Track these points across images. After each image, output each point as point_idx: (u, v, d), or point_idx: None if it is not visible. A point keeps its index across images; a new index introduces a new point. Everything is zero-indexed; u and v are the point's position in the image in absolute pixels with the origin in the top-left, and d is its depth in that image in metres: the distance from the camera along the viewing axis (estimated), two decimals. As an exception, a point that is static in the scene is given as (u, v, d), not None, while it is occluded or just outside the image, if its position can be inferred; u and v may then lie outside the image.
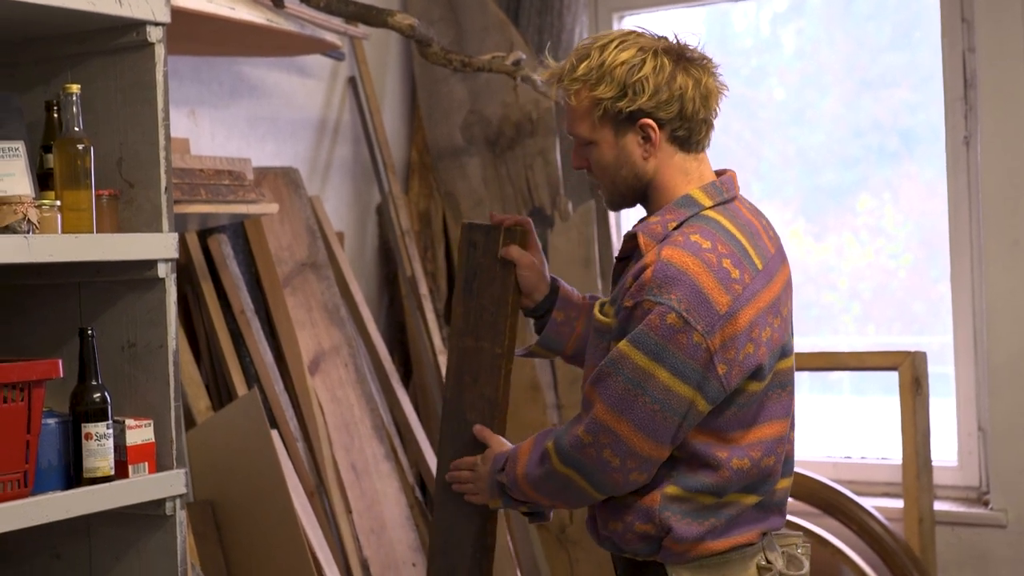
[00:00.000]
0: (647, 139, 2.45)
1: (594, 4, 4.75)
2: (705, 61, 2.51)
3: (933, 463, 4.07)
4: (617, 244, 4.49)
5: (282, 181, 3.89)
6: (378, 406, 3.82)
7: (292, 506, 3.31)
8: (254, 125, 4.03)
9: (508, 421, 4.16)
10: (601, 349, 2.48)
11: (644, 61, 2.43)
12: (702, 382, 2.35)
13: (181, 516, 2.70)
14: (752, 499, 2.47)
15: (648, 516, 2.43)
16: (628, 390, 2.36)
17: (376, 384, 3.91)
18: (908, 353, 3.97)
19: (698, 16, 4.90)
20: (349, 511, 3.60)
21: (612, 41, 2.47)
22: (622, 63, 2.43)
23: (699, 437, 2.42)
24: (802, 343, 4.59)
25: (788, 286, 2.54)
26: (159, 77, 2.70)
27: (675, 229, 2.42)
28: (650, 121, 2.43)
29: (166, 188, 2.69)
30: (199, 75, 3.83)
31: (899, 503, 4.07)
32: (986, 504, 4.12)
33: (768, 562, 2.50)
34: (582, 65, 2.46)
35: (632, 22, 4.83)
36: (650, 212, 2.52)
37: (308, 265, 3.84)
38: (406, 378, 4.26)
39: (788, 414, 2.49)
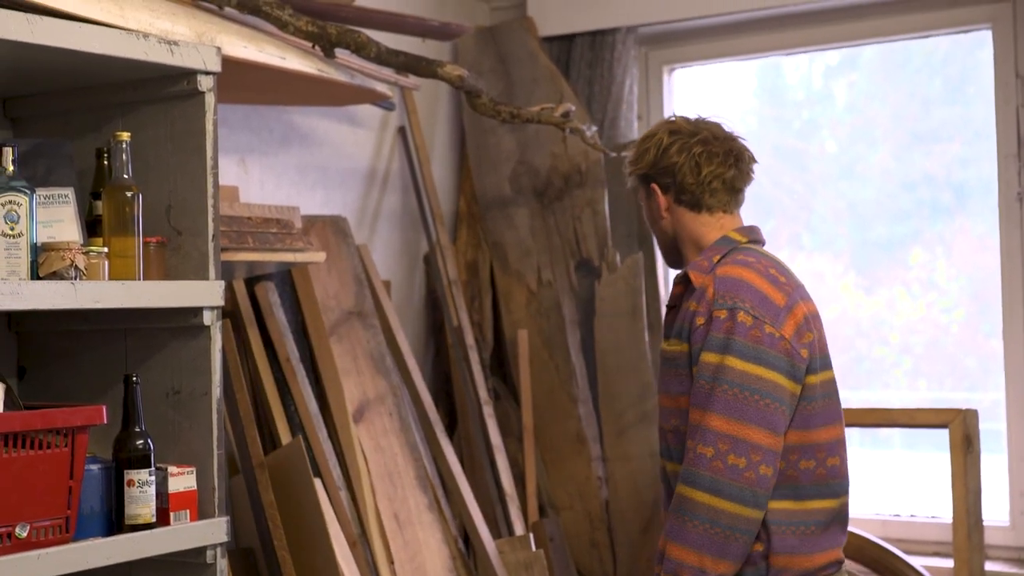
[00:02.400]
0: (658, 203, 2.87)
1: (644, 57, 4.76)
2: (713, 144, 2.85)
3: (984, 523, 4.00)
4: (665, 296, 4.47)
5: (330, 229, 3.90)
6: (422, 456, 3.80)
7: (334, 555, 3.29)
8: (304, 173, 4.05)
9: (552, 472, 4.16)
10: (678, 375, 2.74)
11: (654, 136, 2.87)
12: (790, 368, 2.63)
13: (222, 564, 2.69)
14: (829, 503, 2.69)
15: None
16: (726, 391, 2.61)
17: (420, 434, 3.89)
18: (959, 411, 3.92)
19: (750, 69, 4.89)
20: (391, 561, 3.58)
21: (660, 122, 2.94)
22: (644, 137, 2.90)
23: None
24: (852, 397, 4.57)
25: (819, 315, 2.82)
26: (209, 126, 2.72)
27: (718, 261, 2.77)
28: (655, 186, 2.87)
29: (213, 236, 2.70)
30: (249, 123, 3.86)
31: (949, 563, 4.00)
32: (1038, 566, 4.05)
33: None
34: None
35: (683, 75, 4.83)
36: (686, 263, 2.88)
37: (354, 314, 3.84)
38: (451, 428, 4.25)
39: (840, 420, 2.76)
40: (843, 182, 4.69)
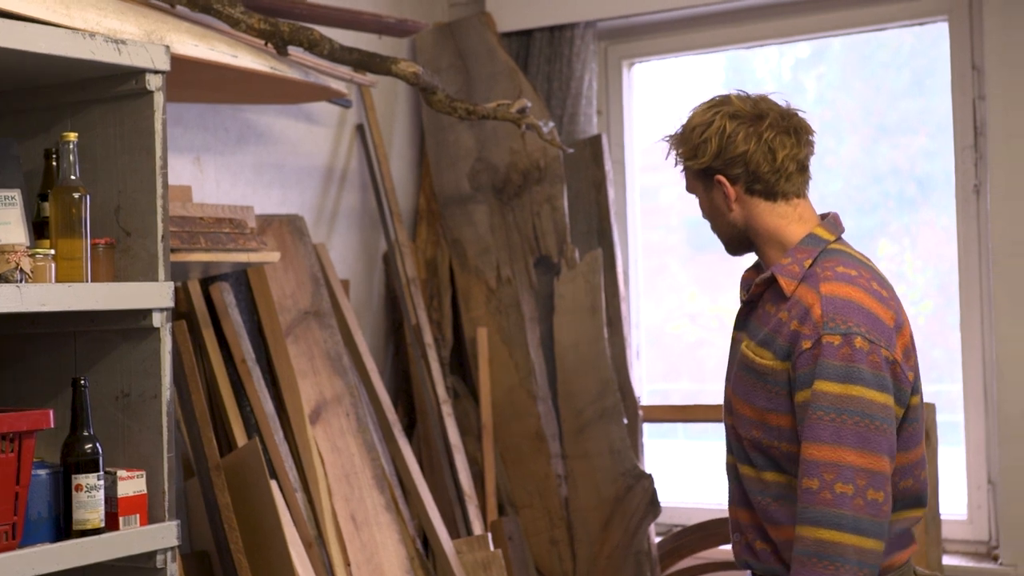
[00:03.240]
0: (725, 195, 2.70)
1: (604, 52, 4.74)
2: (778, 118, 2.71)
3: (942, 516, 4.01)
4: (625, 291, 4.46)
5: (287, 229, 3.88)
6: (379, 456, 3.78)
7: (290, 557, 3.27)
8: (260, 172, 4.02)
9: (512, 471, 4.14)
10: (767, 390, 2.63)
11: (711, 123, 2.68)
12: (898, 393, 2.55)
13: (172, 569, 2.67)
14: (918, 512, 2.67)
15: None
16: (834, 419, 2.50)
17: (378, 434, 3.87)
18: (916, 405, 3.92)
19: (718, 62, 4.88)
20: (348, 563, 3.56)
21: (701, 105, 2.75)
22: (694, 127, 2.70)
23: None
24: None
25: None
26: (158, 125, 2.69)
27: (810, 267, 2.65)
28: (722, 178, 2.69)
29: (163, 237, 2.67)
30: (204, 122, 3.83)
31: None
32: (995, 559, 4.06)
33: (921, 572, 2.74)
34: (681, 128, 2.75)
35: (642, 70, 4.82)
36: (761, 256, 2.76)
37: (311, 313, 3.82)
38: (410, 427, 4.23)
39: (923, 440, 2.69)
40: (814, 174, 4.68)
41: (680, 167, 2.77)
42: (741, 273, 2.86)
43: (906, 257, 4.52)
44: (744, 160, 2.67)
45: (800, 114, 2.75)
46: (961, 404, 4.19)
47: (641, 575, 4.04)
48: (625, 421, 4.11)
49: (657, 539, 4.20)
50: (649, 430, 4.39)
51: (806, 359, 2.55)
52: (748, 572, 2.80)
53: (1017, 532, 3.99)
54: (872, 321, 2.55)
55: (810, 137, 2.77)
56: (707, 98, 2.79)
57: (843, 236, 2.78)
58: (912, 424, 2.63)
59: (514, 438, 4.16)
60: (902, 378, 2.57)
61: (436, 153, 4.47)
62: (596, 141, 4.45)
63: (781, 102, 2.75)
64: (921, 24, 4.31)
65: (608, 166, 4.46)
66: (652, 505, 4.02)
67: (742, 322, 2.77)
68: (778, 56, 4.78)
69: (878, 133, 4.61)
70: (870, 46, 4.58)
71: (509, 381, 4.19)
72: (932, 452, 3.92)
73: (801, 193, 2.77)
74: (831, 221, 2.77)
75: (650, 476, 4.02)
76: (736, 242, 2.78)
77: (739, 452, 2.75)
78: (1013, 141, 3.98)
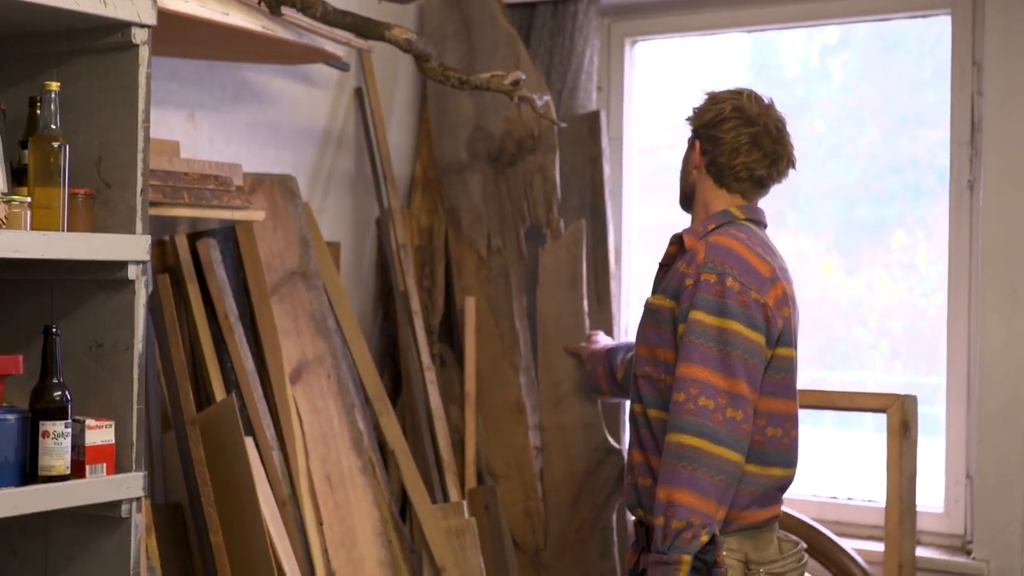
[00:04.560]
0: (694, 158, 3.14)
1: (607, 29, 4.74)
2: (763, 139, 3.08)
3: (919, 509, 4.02)
4: (616, 268, 4.47)
5: (278, 188, 3.89)
6: (358, 419, 3.80)
7: (261, 514, 3.29)
8: (255, 131, 4.03)
9: (493, 441, 4.16)
10: (658, 328, 3.02)
11: (722, 102, 3.11)
12: (767, 333, 2.91)
13: (137, 519, 2.69)
14: (786, 472, 2.99)
15: None
16: (703, 344, 2.88)
17: (359, 397, 3.89)
18: (898, 396, 3.93)
19: (744, 43, 4.85)
20: (320, 523, 3.58)
21: (732, 88, 3.16)
22: (714, 97, 3.14)
23: None
24: (829, 377, 4.64)
25: (795, 298, 3.08)
26: (142, 79, 2.70)
27: (712, 231, 3.03)
28: (699, 144, 3.13)
29: (142, 190, 2.69)
30: (200, 78, 3.84)
31: (882, 547, 4.02)
32: (969, 553, 4.07)
33: (785, 536, 3.06)
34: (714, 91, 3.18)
35: (645, 48, 4.81)
36: (691, 219, 3.18)
37: (298, 274, 3.83)
38: (395, 393, 4.24)
39: (796, 397, 3.03)
40: (830, 162, 4.68)
41: None
42: None
43: (920, 249, 4.51)
44: (717, 144, 3.08)
45: (790, 147, 3.13)
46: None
47: (607, 550, 4.05)
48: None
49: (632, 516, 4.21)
50: (627, 406, 4.40)
51: (688, 294, 2.94)
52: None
53: (991, 528, 3.99)
54: (746, 267, 2.93)
55: (780, 167, 3.12)
56: (739, 85, 3.19)
57: (763, 227, 3.13)
58: (780, 374, 2.97)
59: (496, 408, 4.17)
60: (772, 321, 2.92)
61: (438, 120, 4.47)
62: (594, 117, 4.45)
63: (786, 129, 3.12)
64: (925, 16, 4.29)
65: (605, 143, 4.46)
66: (620, 481, 4.04)
67: (657, 284, 3.16)
68: (806, 40, 4.76)
69: (899, 123, 4.60)
70: (895, 35, 4.56)
71: (494, 351, 4.20)
72: (911, 444, 3.93)
73: (747, 197, 3.13)
74: (751, 208, 3.13)
75: (619, 451, 4.03)
76: (685, 198, 3.22)
77: (635, 393, 3.11)
78: (1009, 138, 3.97)
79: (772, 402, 2.96)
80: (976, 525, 4.04)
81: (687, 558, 2.80)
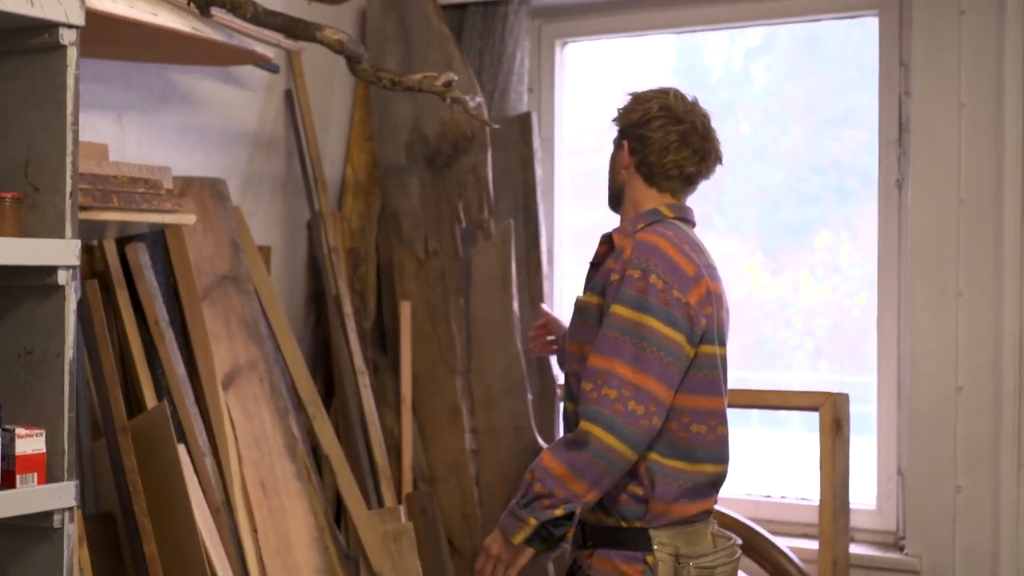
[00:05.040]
0: (622, 159, 3.11)
1: (537, 31, 4.73)
2: (692, 136, 3.07)
3: (852, 506, 4.05)
4: (548, 269, 4.46)
5: (208, 192, 3.84)
6: (291, 424, 3.76)
7: (195, 522, 3.25)
8: (184, 134, 3.98)
9: (431, 445, 4.13)
10: (585, 325, 3.01)
11: (648, 101, 3.08)
12: (690, 332, 2.90)
13: (70, 529, 2.63)
14: (716, 468, 3.00)
15: (638, 477, 2.91)
16: (616, 337, 2.87)
17: (292, 402, 3.85)
18: (830, 394, 3.96)
19: (670, 46, 4.87)
20: (255, 529, 3.54)
21: (655, 87, 3.14)
22: (639, 96, 3.11)
23: None
24: (754, 377, 4.63)
25: (725, 301, 3.10)
26: (70, 80, 2.64)
27: (641, 229, 3.02)
28: (627, 145, 3.10)
29: (71, 193, 2.63)
30: (128, 80, 3.78)
31: (816, 545, 4.04)
32: (902, 549, 4.10)
33: (719, 531, 3.06)
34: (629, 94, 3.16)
35: (575, 50, 4.82)
36: (621, 219, 3.15)
37: (229, 278, 3.79)
38: (328, 398, 4.21)
39: (724, 394, 3.03)
40: (755, 164, 4.71)
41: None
42: None
43: (843, 249, 4.56)
44: (646, 144, 3.06)
45: (716, 142, 3.11)
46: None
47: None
48: (531, 397, 4.11)
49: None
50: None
51: (612, 289, 2.93)
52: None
53: (923, 524, 4.04)
54: (671, 266, 2.92)
55: (709, 163, 3.11)
56: (663, 84, 3.16)
57: (691, 225, 3.13)
58: (703, 371, 2.96)
59: (433, 412, 4.15)
60: (694, 320, 2.91)
61: (379, 123, 4.44)
62: (525, 119, 4.44)
63: (711, 126, 3.11)
64: (852, 17, 4.33)
65: (536, 144, 4.45)
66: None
67: (587, 282, 3.12)
68: (729, 44, 4.79)
69: (822, 125, 4.63)
70: (818, 38, 4.60)
71: (431, 354, 4.18)
72: (844, 442, 3.96)
73: (676, 195, 3.11)
74: (680, 206, 3.11)
75: (551, 454, 4.02)
76: (614, 198, 3.19)
77: (567, 391, 3.12)
78: (936, 137, 4.01)
79: (696, 399, 2.96)
80: (908, 521, 4.08)
81: (533, 522, 2.86)
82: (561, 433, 3.28)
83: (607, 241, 3.12)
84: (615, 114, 3.16)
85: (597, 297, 3.01)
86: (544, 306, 4.00)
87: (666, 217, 3.08)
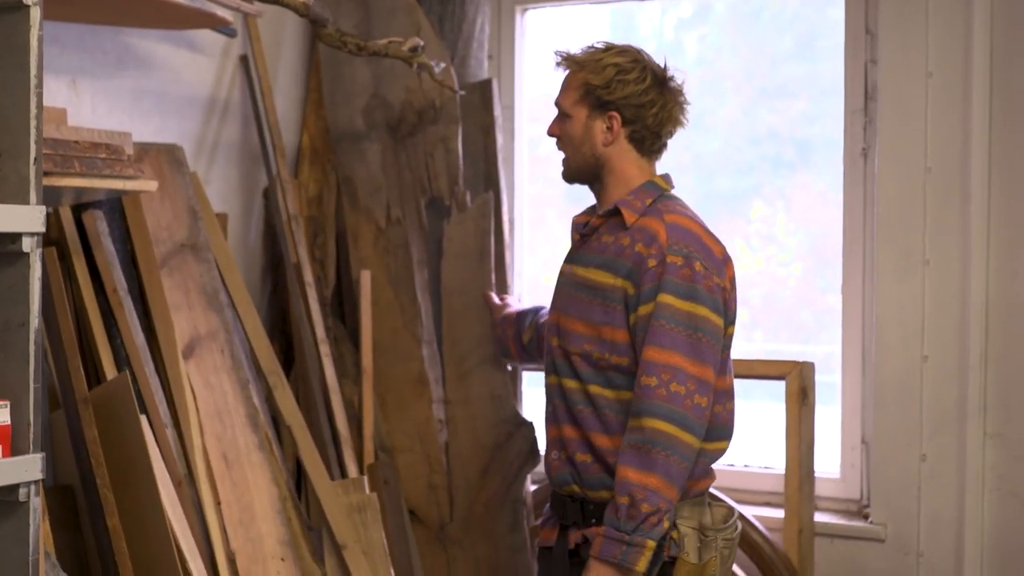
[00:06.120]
0: (610, 128, 3.05)
1: (497, -4, 4.67)
2: (680, 95, 3.11)
3: (816, 474, 4.05)
4: (510, 239, 4.41)
5: (164, 158, 3.75)
6: (252, 395, 3.69)
7: (159, 494, 3.17)
8: (139, 99, 3.88)
9: (393, 414, 4.08)
10: (605, 306, 2.99)
11: (633, 68, 3.04)
12: (725, 315, 2.96)
13: (36, 503, 2.56)
14: (724, 445, 3.07)
15: None
16: (673, 328, 2.87)
17: (253, 372, 3.78)
18: (796, 363, 3.95)
19: (603, 15, 4.83)
20: (218, 502, 3.47)
21: (616, 47, 3.10)
22: (615, 64, 3.04)
23: None
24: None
25: None
26: (34, 42, 2.56)
27: (651, 205, 3.02)
28: (616, 115, 3.04)
29: (35, 159, 2.55)
30: (83, 43, 3.68)
31: (780, 513, 4.04)
32: (866, 517, 4.11)
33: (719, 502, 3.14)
34: (587, 54, 3.10)
35: (535, 16, 4.76)
36: (600, 191, 3.13)
37: (188, 246, 3.70)
38: (287, 366, 4.14)
39: (731, 374, 3.08)
40: (689, 134, 4.67)
41: (577, 88, 3.08)
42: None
43: (778, 219, 4.56)
44: (644, 113, 3.04)
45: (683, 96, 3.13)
46: (828, 364, 4.23)
47: (517, 523, 4.01)
48: (509, 368, 4.07)
49: (532, 487, 4.18)
50: (528, 378, 4.36)
51: (651, 276, 2.91)
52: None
53: (887, 492, 4.04)
54: (706, 251, 2.94)
55: (684, 119, 3.15)
56: (619, 42, 3.14)
57: (676, 193, 3.14)
58: (726, 351, 3.02)
59: (396, 382, 4.09)
60: (728, 303, 2.97)
61: (331, 88, 4.35)
62: (486, 85, 4.38)
63: (679, 79, 3.13)
64: (819, -16, 4.31)
65: (498, 111, 4.39)
66: (532, 454, 4.00)
67: (572, 255, 3.15)
68: (660, 14, 4.75)
69: (758, 95, 4.62)
70: (754, 9, 4.57)
71: (393, 323, 4.12)
72: (810, 411, 3.95)
73: (656, 159, 3.15)
74: (666, 177, 3.12)
75: (531, 424, 3.99)
76: (585, 171, 3.13)
77: (565, 369, 3.07)
78: (902, 106, 4.00)
79: (721, 380, 3.01)
80: (873, 489, 4.08)
81: (652, 544, 2.84)
82: (533, 406, 3.27)
83: (610, 214, 3.07)
84: (592, 84, 3.06)
85: (621, 280, 2.98)
86: (498, 297, 4.01)
87: (665, 190, 3.08)
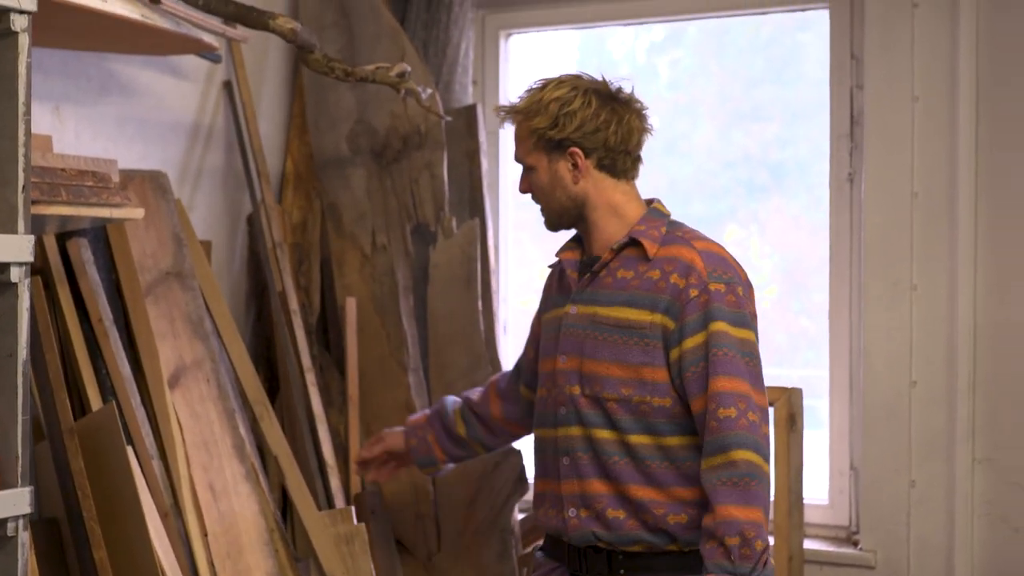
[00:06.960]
0: (575, 166, 2.90)
1: (481, 21, 4.66)
2: (634, 103, 2.95)
3: (805, 501, 4.03)
4: (495, 264, 4.39)
5: (149, 185, 3.72)
6: (239, 424, 3.65)
7: (146, 527, 3.13)
8: (122, 125, 3.85)
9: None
10: (641, 345, 2.84)
11: (574, 98, 2.88)
12: (758, 338, 2.92)
13: (24, 537, 2.52)
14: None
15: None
16: (735, 357, 2.80)
17: (238, 401, 3.74)
18: (785, 389, 3.93)
19: (574, 40, 4.83)
20: (205, 534, 3.43)
21: (552, 81, 2.95)
22: (556, 99, 2.89)
23: None
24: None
25: None
26: (22, 68, 2.54)
27: (666, 233, 2.92)
28: (577, 150, 2.89)
29: (24, 187, 2.52)
30: (66, 69, 3.65)
31: (769, 540, 4.02)
32: (855, 544, 4.10)
33: None
34: (526, 100, 2.95)
35: (519, 41, 4.75)
36: (589, 229, 2.96)
37: (173, 274, 3.67)
38: (272, 395, 4.10)
39: None
40: (663, 159, 4.68)
41: (528, 138, 2.93)
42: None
43: (752, 243, 4.56)
44: (604, 136, 2.89)
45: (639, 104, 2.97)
46: (811, 388, 4.21)
47: (505, 552, 3.98)
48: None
49: (520, 516, 4.15)
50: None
51: (694, 306, 2.82)
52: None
53: (877, 518, 4.03)
54: (740, 276, 2.90)
55: (647, 126, 2.98)
56: (552, 75, 2.98)
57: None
58: None
59: (383, 409, 4.06)
60: (756, 330, 2.91)
61: (315, 113, 4.33)
62: (471, 111, 4.37)
63: (627, 88, 2.96)
64: (803, 10, 4.31)
65: (482, 137, 4.38)
66: (520, 482, 3.97)
67: (580, 295, 2.95)
68: (633, 38, 4.76)
69: (733, 119, 4.63)
70: (727, 33, 4.58)
71: (379, 351, 4.09)
72: (798, 437, 3.94)
73: (634, 177, 3.00)
74: (660, 202, 3.01)
75: (519, 452, 3.97)
76: (567, 216, 2.97)
77: (596, 419, 2.88)
78: (888, 131, 4.00)
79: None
80: (862, 516, 4.07)
81: None
82: (563, 463, 2.95)
83: (627, 246, 2.90)
84: (539, 128, 2.90)
85: (659, 315, 2.83)
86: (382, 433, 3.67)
87: (668, 215, 2.99)
